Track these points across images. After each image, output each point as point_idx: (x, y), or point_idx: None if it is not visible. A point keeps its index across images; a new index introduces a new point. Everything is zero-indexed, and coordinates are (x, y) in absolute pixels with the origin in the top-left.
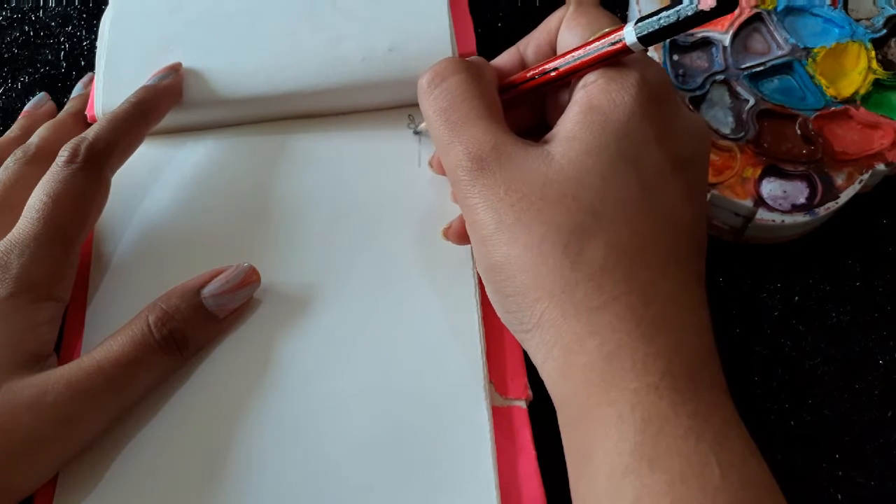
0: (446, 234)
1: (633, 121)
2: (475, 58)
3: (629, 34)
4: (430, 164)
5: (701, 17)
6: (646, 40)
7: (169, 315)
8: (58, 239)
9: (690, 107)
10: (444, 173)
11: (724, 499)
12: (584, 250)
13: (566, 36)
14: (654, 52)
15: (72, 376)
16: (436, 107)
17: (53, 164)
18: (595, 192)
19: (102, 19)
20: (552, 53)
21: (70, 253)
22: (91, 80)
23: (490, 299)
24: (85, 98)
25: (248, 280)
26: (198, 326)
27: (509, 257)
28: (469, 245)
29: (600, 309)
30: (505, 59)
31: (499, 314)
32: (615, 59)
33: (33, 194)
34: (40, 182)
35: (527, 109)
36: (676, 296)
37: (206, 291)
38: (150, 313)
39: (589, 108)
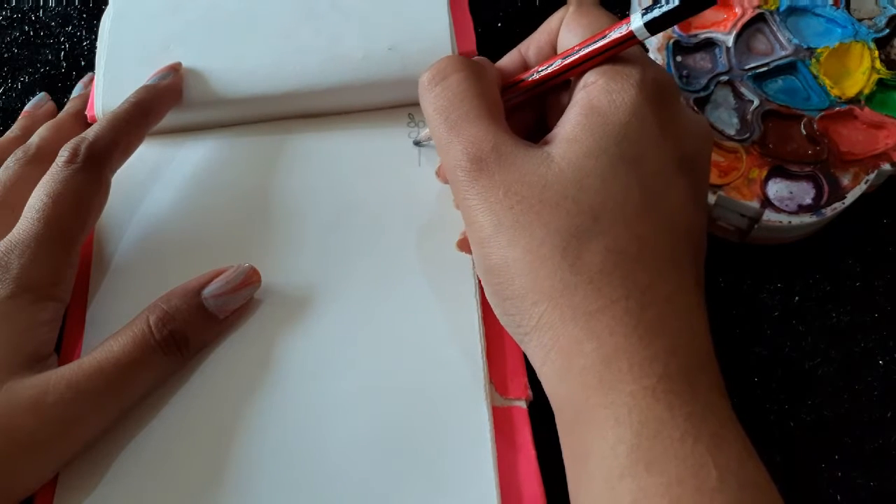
0: (460, 245)
1: (633, 122)
2: (478, 58)
3: (635, 20)
4: (437, 175)
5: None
6: (652, 26)
7: (169, 315)
8: (58, 239)
9: (695, 108)
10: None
11: (721, 501)
12: (583, 254)
13: (567, 36)
14: (658, 55)
15: (72, 377)
16: (435, 105)
17: (53, 165)
18: (595, 194)
19: (102, 19)
20: (553, 54)
21: (70, 253)
22: (91, 80)
23: (489, 301)
24: (85, 98)
25: (249, 280)
26: (198, 327)
27: (508, 260)
28: None
29: (598, 312)
30: (507, 61)
31: (497, 316)
32: (620, 50)
33: (33, 194)
34: (40, 182)
35: (528, 111)
36: (674, 299)
37: (207, 292)
38: (151, 314)
39: (590, 109)
